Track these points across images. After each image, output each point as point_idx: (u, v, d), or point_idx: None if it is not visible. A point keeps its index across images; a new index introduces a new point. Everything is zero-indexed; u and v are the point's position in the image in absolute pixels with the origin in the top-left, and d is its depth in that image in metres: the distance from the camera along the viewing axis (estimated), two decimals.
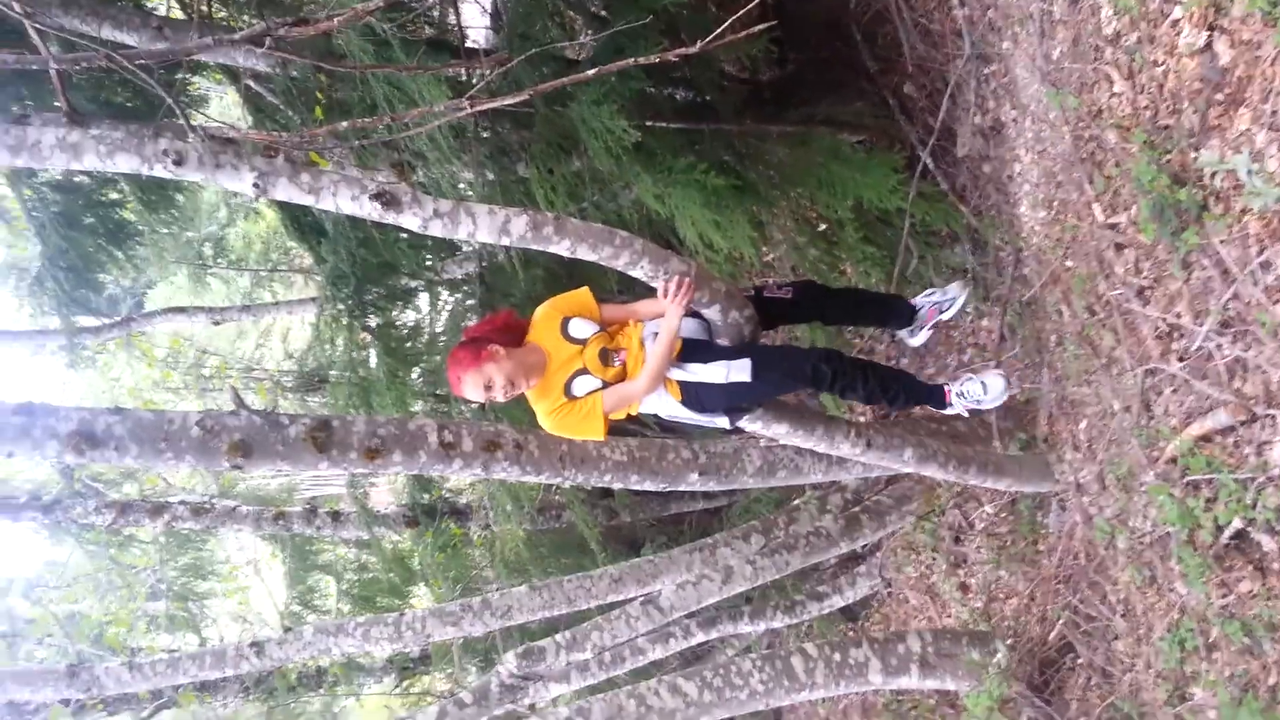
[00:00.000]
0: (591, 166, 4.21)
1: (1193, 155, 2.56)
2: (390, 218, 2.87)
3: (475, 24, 5.47)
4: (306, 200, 2.91)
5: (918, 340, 3.97)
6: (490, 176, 4.39)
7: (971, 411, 3.78)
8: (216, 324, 7.77)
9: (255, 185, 2.85)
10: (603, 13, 4.21)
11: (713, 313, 3.42)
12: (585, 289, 3.58)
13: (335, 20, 2.59)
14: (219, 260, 7.73)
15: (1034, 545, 4.94)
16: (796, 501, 6.12)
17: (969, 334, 5.41)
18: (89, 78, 4.39)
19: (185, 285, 8.06)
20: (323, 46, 3.76)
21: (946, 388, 3.78)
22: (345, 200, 2.89)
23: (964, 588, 5.74)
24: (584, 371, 3.41)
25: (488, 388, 3.34)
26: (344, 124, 2.78)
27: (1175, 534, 3.15)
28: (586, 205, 4.42)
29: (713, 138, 4.36)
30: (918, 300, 3.90)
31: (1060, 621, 4.42)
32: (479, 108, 2.62)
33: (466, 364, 3.33)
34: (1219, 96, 2.42)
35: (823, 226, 4.94)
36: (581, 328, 3.48)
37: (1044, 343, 4.14)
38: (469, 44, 4.71)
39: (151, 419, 3.42)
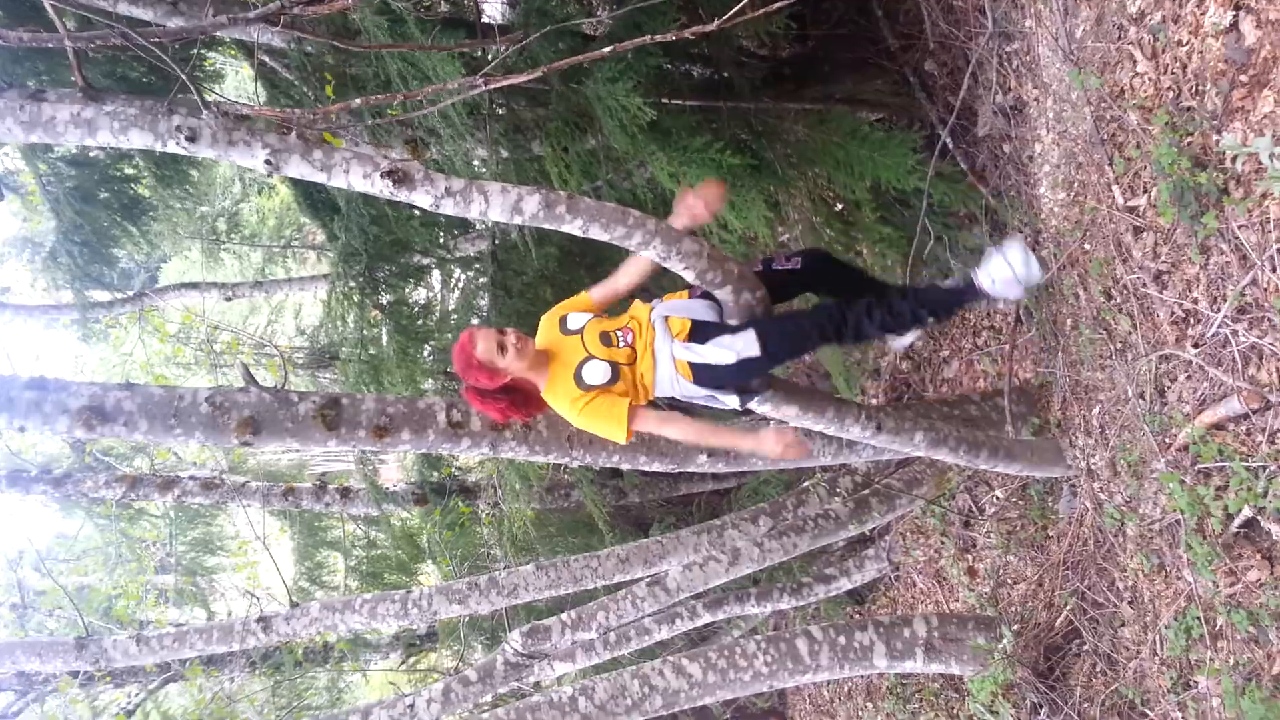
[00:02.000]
0: (606, 144, 4.18)
1: (1215, 138, 2.53)
2: (403, 195, 2.86)
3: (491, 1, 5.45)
4: (319, 178, 2.90)
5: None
6: (504, 154, 4.37)
7: (1016, 294, 3.48)
8: (229, 300, 7.78)
9: (268, 162, 2.85)
10: None
11: (724, 294, 3.41)
12: (578, 294, 3.56)
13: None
14: (232, 235, 7.74)
15: (1044, 531, 4.93)
16: (806, 484, 6.11)
17: (984, 316, 5.39)
18: (105, 54, 4.37)
19: (199, 260, 8.07)
20: (338, 23, 3.74)
21: (976, 281, 3.42)
22: (357, 178, 2.89)
23: (972, 572, 5.74)
24: (590, 358, 3.40)
25: (500, 346, 3.28)
26: (357, 101, 2.76)
27: (1185, 521, 3.14)
28: (601, 184, 4.39)
29: (730, 115, 4.32)
30: (980, 276, 3.68)
31: (1067, 607, 4.42)
32: (494, 85, 2.60)
33: (476, 333, 3.31)
34: (1243, 78, 2.39)
35: (839, 206, 4.91)
36: (576, 319, 3.48)
37: (1060, 326, 4.12)
38: (485, 20, 4.69)
39: (161, 395, 3.44)
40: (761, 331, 3.38)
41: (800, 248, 5.37)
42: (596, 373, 3.38)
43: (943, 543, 6.00)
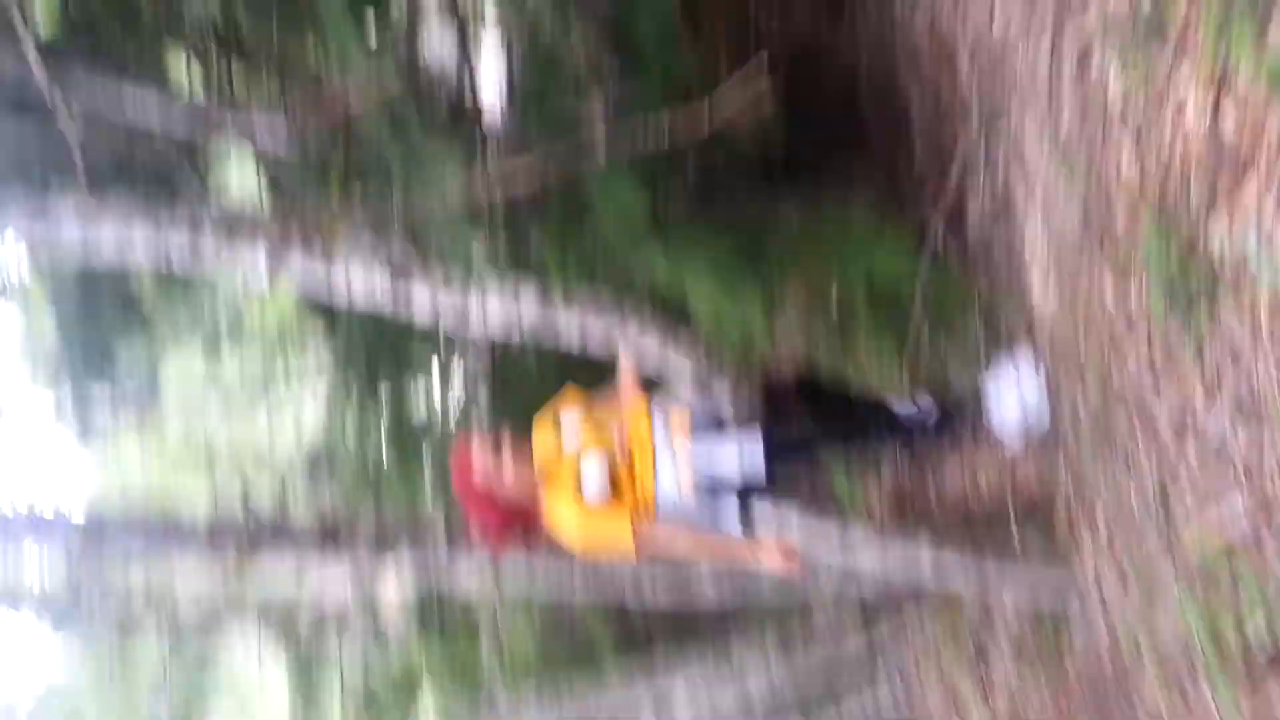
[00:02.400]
0: (604, 235, 4.22)
1: (1202, 231, 2.53)
2: (401, 294, 2.89)
3: (490, 87, 5.60)
4: (319, 272, 2.93)
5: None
6: (503, 246, 4.39)
7: (1020, 431, 3.60)
8: (228, 404, 7.83)
9: (270, 259, 2.88)
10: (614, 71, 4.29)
11: (722, 391, 3.40)
12: (566, 389, 3.52)
13: (352, 107, 2.66)
14: (233, 336, 7.83)
15: (1056, 645, 4.77)
16: (812, 599, 5.97)
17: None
18: (110, 160, 4.46)
19: (199, 361, 8.16)
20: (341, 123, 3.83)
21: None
22: (358, 273, 2.92)
23: (985, 691, 5.54)
24: (587, 452, 3.32)
25: (497, 466, 3.20)
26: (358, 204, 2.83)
27: (1201, 645, 3.02)
28: (598, 274, 4.41)
29: (725, 207, 4.37)
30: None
31: None
32: (494, 194, 2.67)
33: (472, 452, 3.23)
34: (1227, 170, 2.41)
35: (836, 301, 4.92)
36: (570, 419, 3.39)
37: (1058, 425, 4.06)
38: (483, 111, 4.81)
39: (162, 518, 3.43)
40: (769, 436, 3.32)
41: (798, 341, 5.38)
42: (592, 468, 3.26)
43: (956, 658, 5.81)
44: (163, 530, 3.52)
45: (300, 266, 2.93)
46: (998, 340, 4.41)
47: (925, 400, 3.93)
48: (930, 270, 4.04)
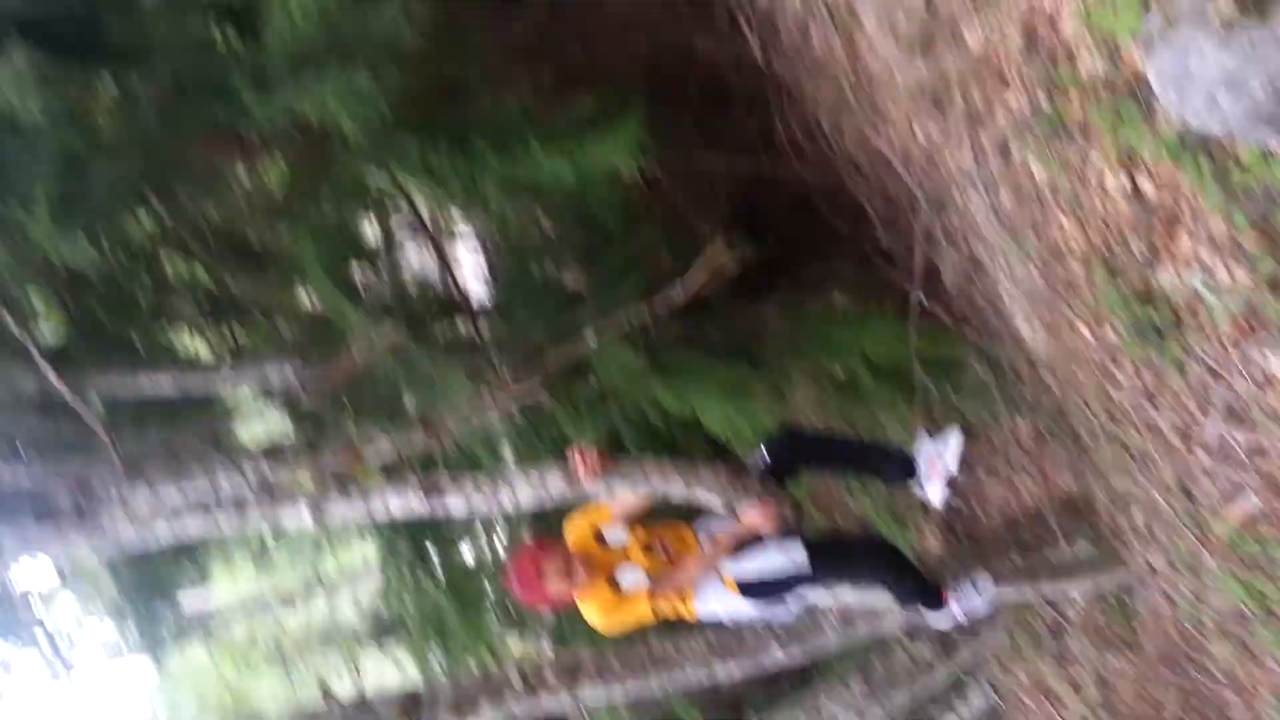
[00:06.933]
0: (609, 385, 4.43)
1: (1152, 277, 2.74)
2: (438, 508, 3.09)
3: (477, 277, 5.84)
4: (360, 512, 3.13)
5: (933, 498, 3.89)
6: (516, 419, 4.61)
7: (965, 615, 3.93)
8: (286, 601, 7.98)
9: (314, 514, 3.08)
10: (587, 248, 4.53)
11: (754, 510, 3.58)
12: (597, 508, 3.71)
13: (357, 361, 2.87)
14: (278, 541, 8.00)
15: (1131, 630, 4.92)
16: (887, 635, 6.08)
17: (1010, 438, 5.50)
18: (139, 440, 4.65)
19: (251, 570, 8.31)
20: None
21: (945, 594, 3.88)
22: (394, 502, 3.11)
23: (1075, 684, 5.67)
24: (627, 562, 3.52)
25: (568, 566, 3.42)
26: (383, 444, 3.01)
27: (1251, 610, 3.21)
28: (612, 420, 4.61)
29: (714, 326, 4.59)
30: (915, 451, 3.89)
31: (1174, 700, 4.39)
32: (500, 402, 2.86)
33: (541, 555, 3.44)
34: (1158, 225, 2.62)
35: (842, 376, 5.11)
36: (615, 534, 3.61)
37: (1081, 442, 4.25)
38: (470, 299, 5.04)
39: None
40: (811, 546, 3.52)
41: (817, 424, 5.57)
42: (631, 579, 3.48)
43: (1039, 659, 5.94)
44: None
45: (340, 512, 3.12)
46: (1001, 373, 4.60)
47: (951, 436, 4.03)
48: (923, 334, 4.24)
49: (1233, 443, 2.94)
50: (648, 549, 3.61)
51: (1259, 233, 2.34)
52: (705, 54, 4.40)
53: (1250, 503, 3.02)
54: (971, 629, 5.83)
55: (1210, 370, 2.81)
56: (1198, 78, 1.94)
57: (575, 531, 3.66)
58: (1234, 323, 2.63)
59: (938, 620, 3.98)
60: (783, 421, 4.46)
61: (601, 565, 3.53)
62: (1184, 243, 2.55)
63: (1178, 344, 2.81)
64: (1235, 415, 2.87)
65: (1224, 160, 2.27)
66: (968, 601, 3.89)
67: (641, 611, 3.50)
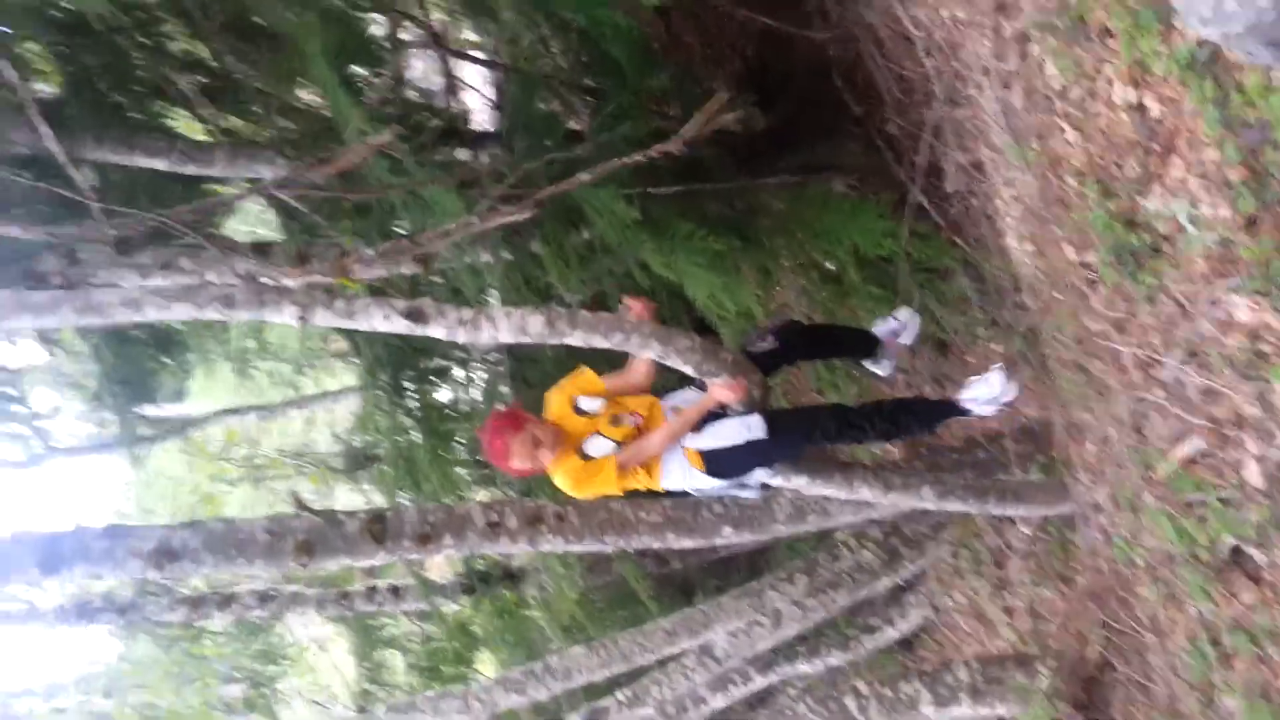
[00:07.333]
0: (600, 237, 4.46)
1: (1140, 201, 2.75)
2: (419, 330, 3.14)
3: (482, 104, 5.77)
4: (345, 324, 3.18)
5: (884, 370, 4.32)
6: (506, 256, 4.64)
7: (993, 410, 4.06)
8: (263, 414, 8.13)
9: (300, 318, 3.12)
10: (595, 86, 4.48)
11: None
12: (583, 369, 3.86)
13: (353, 159, 2.87)
14: (262, 354, 8.13)
15: (1067, 564, 5.05)
16: (836, 537, 6.25)
17: (984, 357, 5.56)
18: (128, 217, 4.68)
19: (232, 380, 8.45)
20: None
21: (959, 400, 4.09)
22: (379, 319, 3.16)
23: (1009, 610, 5.83)
24: (597, 434, 3.64)
25: (536, 444, 3.56)
26: (369, 252, 3.04)
27: (1179, 552, 3.30)
28: (599, 275, 4.64)
29: (712, 196, 4.59)
30: (876, 330, 4.23)
31: (1097, 638, 4.53)
32: (488, 224, 2.89)
33: (510, 429, 3.57)
34: (1155, 147, 2.61)
35: (830, 268, 5.14)
36: (590, 403, 3.74)
37: (1049, 368, 4.30)
38: (474, 128, 5.00)
39: (223, 530, 3.69)
40: (768, 415, 3.61)
41: (799, 311, 5.63)
42: (599, 448, 3.63)
43: (978, 583, 6.10)
44: (223, 537, 3.75)
45: (325, 319, 3.17)
46: (984, 286, 4.63)
47: (902, 312, 4.25)
48: (915, 236, 4.26)
49: (1188, 382, 2.99)
50: (615, 420, 3.72)
51: (1246, 167, 2.34)
52: None
53: (1194, 445, 3.08)
54: (919, 545, 6.01)
55: (1179, 306, 2.84)
56: None
57: (555, 400, 3.80)
58: (1208, 259, 2.66)
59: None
60: (778, 314, 4.54)
61: (572, 435, 3.67)
62: (1176, 168, 2.55)
63: (1152, 274, 2.83)
64: (1194, 355, 2.91)
65: (1228, 85, 2.25)
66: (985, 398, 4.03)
67: (610, 481, 3.63)
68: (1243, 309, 2.61)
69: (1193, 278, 2.69)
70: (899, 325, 4.25)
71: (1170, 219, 2.64)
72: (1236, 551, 3.00)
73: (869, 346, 4.23)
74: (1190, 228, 2.59)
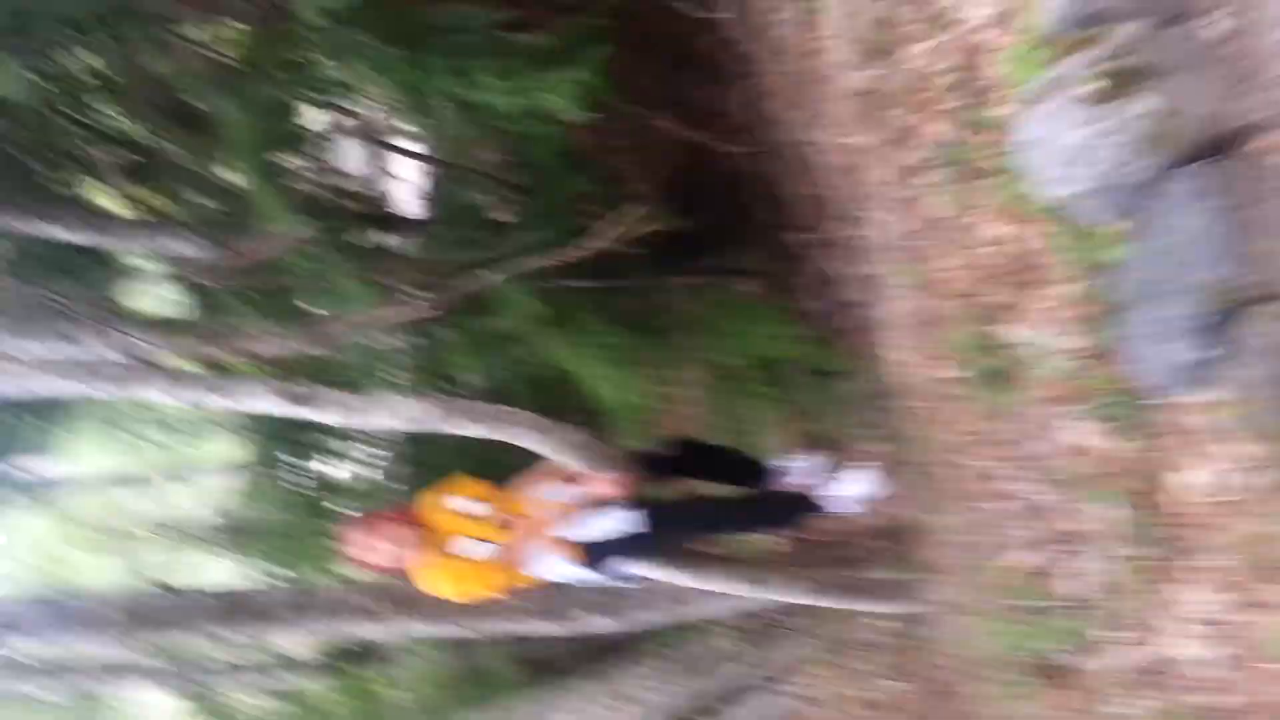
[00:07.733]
0: (509, 336, 4.55)
1: (1005, 328, 3.08)
2: (305, 414, 3.19)
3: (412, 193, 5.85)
4: (221, 404, 3.19)
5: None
6: (416, 340, 4.67)
7: (861, 508, 4.32)
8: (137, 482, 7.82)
9: (166, 395, 3.12)
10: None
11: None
12: (457, 475, 3.90)
13: (268, 250, 2.96)
14: (136, 420, 7.87)
15: (912, 659, 5.27)
16: (698, 624, 6.32)
17: (864, 457, 5.81)
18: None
19: (101, 444, 8.15)
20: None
21: (829, 495, 4.32)
22: (260, 401, 3.19)
23: (871, 704, 6.01)
24: (465, 537, 3.69)
25: (399, 543, 3.58)
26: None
27: (1010, 655, 3.59)
28: (507, 365, 4.71)
29: (625, 292, 4.75)
30: (773, 464, 4.39)
31: None
32: (400, 319, 3.00)
33: (371, 529, 3.60)
34: (1023, 279, 2.95)
35: (728, 365, 5.34)
36: (463, 504, 3.79)
37: (923, 473, 4.58)
38: (400, 214, 5.06)
39: (70, 598, 3.59)
40: (651, 512, 3.78)
41: (696, 411, 5.84)
42: (472, 550, 3.67)
43: (838, 675, 6.26)
44: (72, 609, 3.67)
45: (197, 398, 3.17)
46: (869, 391, 4.91)
47: (798, 459, 4.45)
48: (810, 340, 4.51)
49: (1035, 498, 3.30)
50: (479, 519, 3.76)
51: (1095, 305, 2.66)
52: (683, 10, 4.49)
53: (1029, 555, 3.40)
54: (780, 635, 6.16)
55: (1032, 425, 3.16)
56: (1057, 144, 2.19)
57: (426, 501, 3.82)
58: (1063, 384, 2.97)
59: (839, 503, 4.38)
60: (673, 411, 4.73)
61: (435, 537, 3.67)
62: (1034, 301, 2.87)
63: (1012, 394, 3.14)
64: (1043, 472, 3.22)
65: (1082, 230, 2.57)
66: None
67: (489, 580, 3.68)
68: (1088, 433, 2.94)
69: (1046, 400, 2.99)
70: (807, 467, 4.41)
71: (1030, 345, 2.96)
72: (1052, 656, 3.31)
73: (756, 476, 4.44)
74: (1043, 357, 2.90)
